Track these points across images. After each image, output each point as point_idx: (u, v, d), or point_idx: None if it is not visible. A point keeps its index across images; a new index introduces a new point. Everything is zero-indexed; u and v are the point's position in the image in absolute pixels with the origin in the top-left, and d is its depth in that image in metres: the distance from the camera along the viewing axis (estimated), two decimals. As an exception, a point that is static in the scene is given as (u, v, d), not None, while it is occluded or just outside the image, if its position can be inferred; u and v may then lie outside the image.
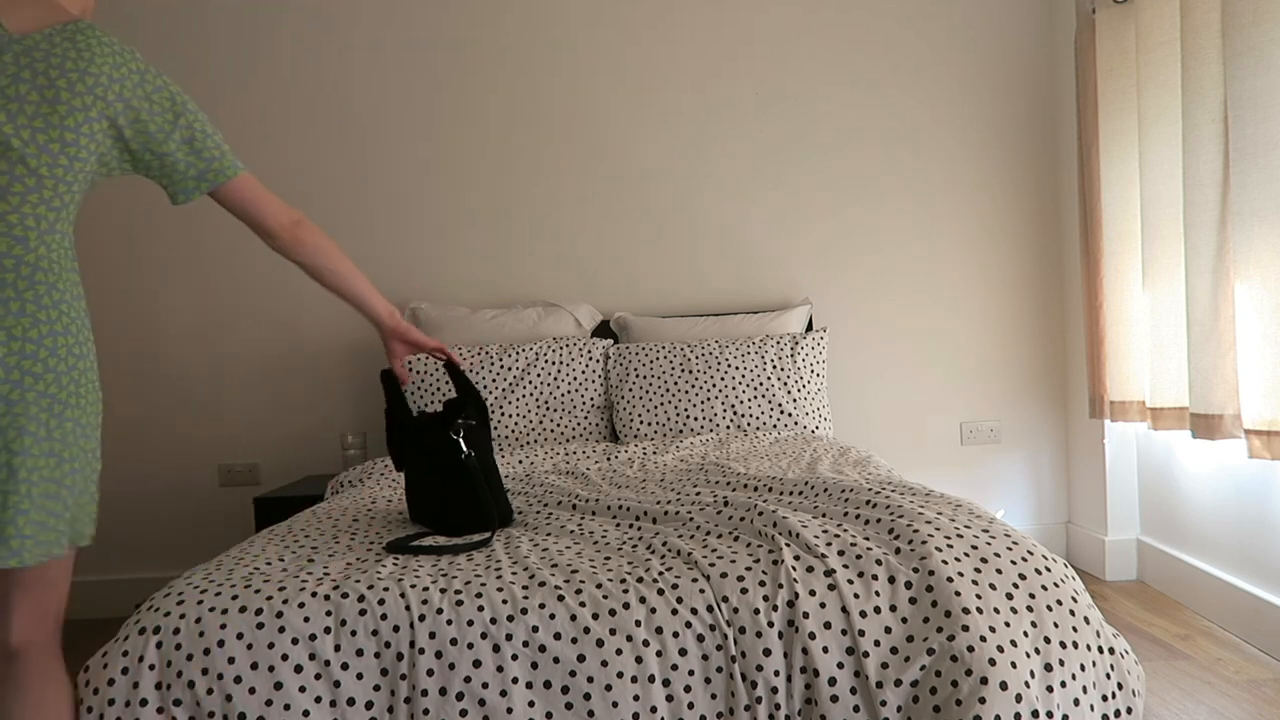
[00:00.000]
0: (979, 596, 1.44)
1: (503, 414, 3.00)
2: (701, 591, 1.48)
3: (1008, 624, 1.41)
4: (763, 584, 1.48)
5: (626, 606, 1.46)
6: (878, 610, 1.45)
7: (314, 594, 1.49)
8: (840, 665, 1.41)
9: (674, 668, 1.42)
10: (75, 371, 1.42)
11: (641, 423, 3.00)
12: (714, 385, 3.01)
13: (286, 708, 1.39)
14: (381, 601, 1.47)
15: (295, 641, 1.43)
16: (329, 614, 1.46)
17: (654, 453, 2.66)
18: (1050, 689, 1.38)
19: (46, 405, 1.36)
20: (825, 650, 1.41)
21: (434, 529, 1.85)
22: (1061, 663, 1.41)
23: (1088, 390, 3.13)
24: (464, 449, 1.81)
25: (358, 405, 3.43)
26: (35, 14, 1.46)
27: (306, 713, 1.39)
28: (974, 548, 1.53)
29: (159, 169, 1.56)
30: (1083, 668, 1.42)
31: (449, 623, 1.44)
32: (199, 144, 1.58)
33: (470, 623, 1.44)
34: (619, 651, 1.42)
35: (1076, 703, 1.39)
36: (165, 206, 3.38)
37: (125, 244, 3.39)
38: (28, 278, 1.37)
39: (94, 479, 1.46)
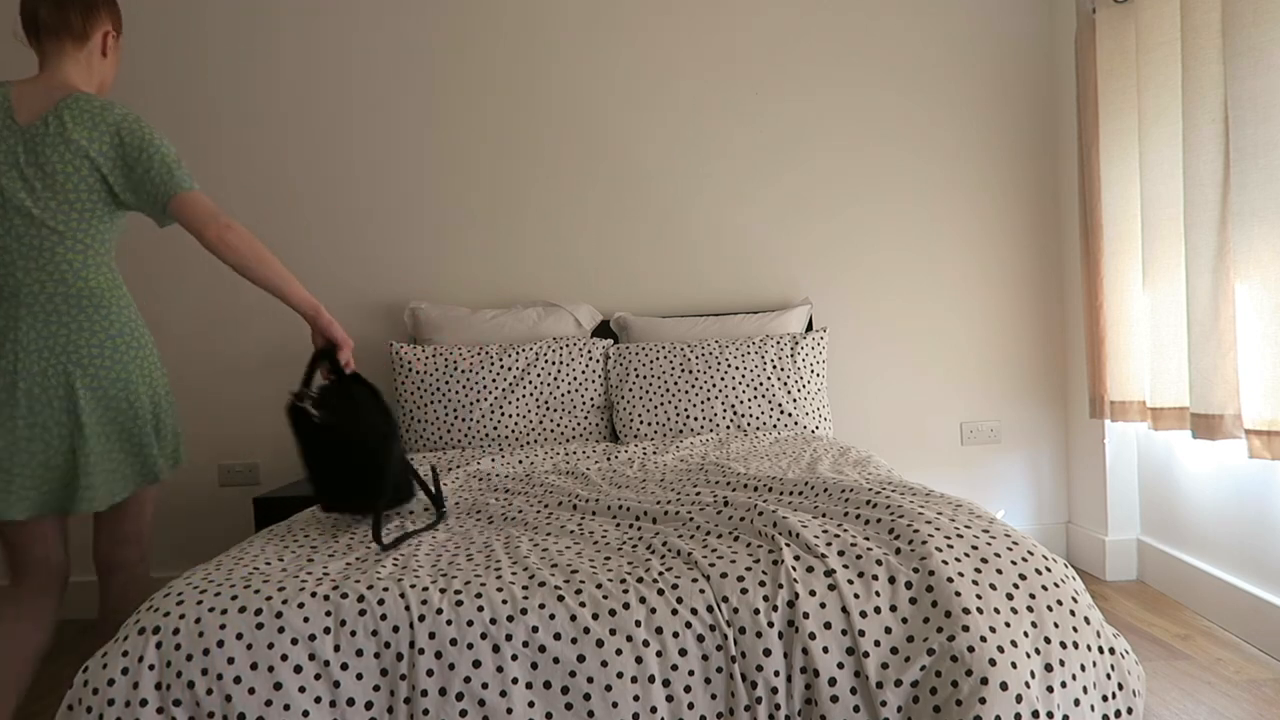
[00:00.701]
0: (979, 597, 1.44)
1: (503, 414, 3.00)
2: (701, 591, 1.48)
3: (1008, 624, 1.41)
4: (763, 584, 1.48)
5: (626, 606, 1.46)
6: (878, 610, 1.45)
7: (314, 594, 1.49)
8: (840, 665, 1.41)
9: (674, 668, 1.42)
10: (124, 362, 1.91)
11: (641, 423, 3.00)
12: (714, 385, 3.01)
13: (286, 708, 1.39)
14: (381, 602, 1.47)
15: (295, 641, 1.43)
16: (329, 614, 1.46)
17: (654, 453, 2.66)
18: (1050, 689, 1.38)
19: (98, 390, 1.86)
20: (825, 650, 1.41)
21: (330, 502, 1.94)
22: (1062, 663, 1.41)
23: (1088, 390, 3.13)
24: (313, 413, 1.88)
25: (358, 405, 3.43)
26: (41, 102, 1.84)
27: (306, 713, 1.39)
28: (974, 548, 1.53)
29: (140, 203, 1.89)
30: (1083, 668, 1.42)
31: (449, 623, 1.44)
32: (162, 172, 1.88)
33: (470, 623, 1.44)
34: (619, 652, 1.42)
35: (1077, 703, 1.39)
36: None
37: (125, 244, 3.38)
38: (76, 304, 1.86)
39: (144, 434, 1.94)
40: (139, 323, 1.98)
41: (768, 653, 1.42)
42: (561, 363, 3.08)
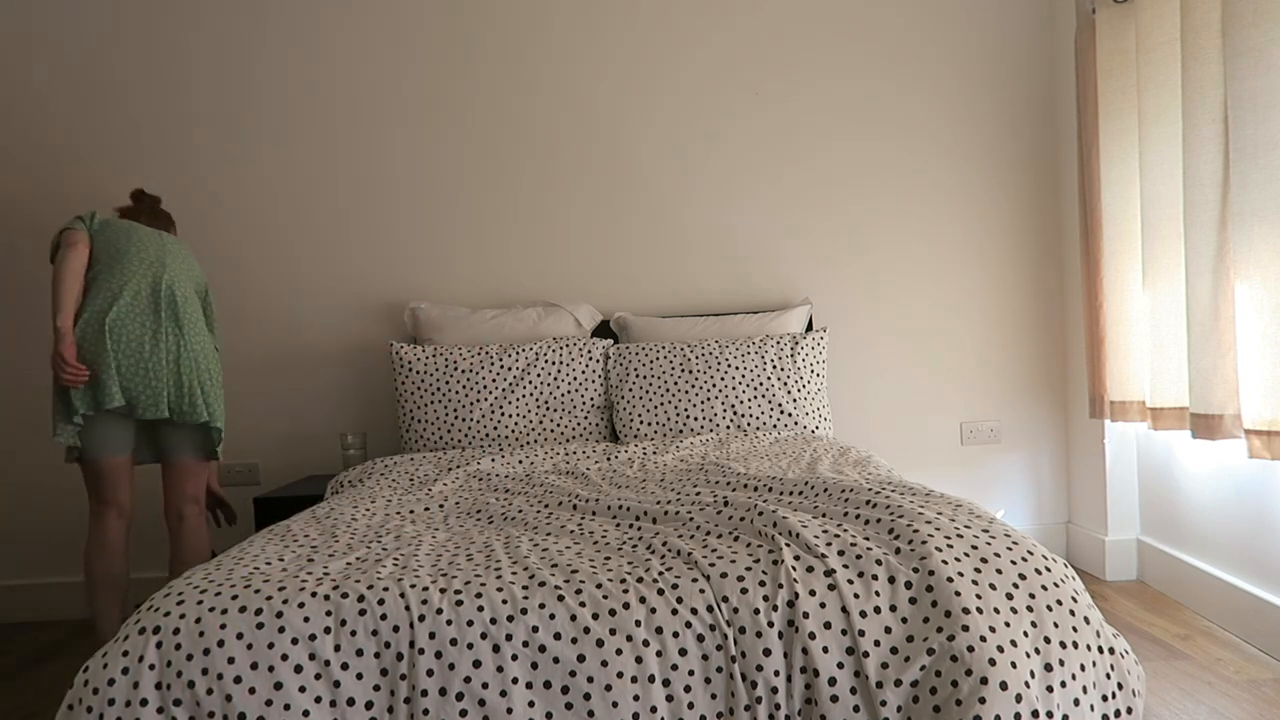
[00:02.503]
0: (979, 596, 1.44)
1: (503, 414, 3.00)
2: (701, 591, 1.48)
3: (1008, 624, 1.41)
4: (763, 584, 1.48)
5: (626, 606, 1.46)
6: (878, 610, 1.45)
7: (314, 594, 1.49)
8: (840, 665, 1.41)
9: (674, 668, 1.42)
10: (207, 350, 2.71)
11: (641, 423, 3.00)
12: (714, 385, 3.01)
13: (286, 708, 1.39)
14: (381, 601, 1.47)
15: (295, 641, 1.43)
16: (329, 614, 1.46)
17: (654, 453, 2.66)
18: (1050, 689, 1.38)
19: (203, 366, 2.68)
20: (825, 650, 1.41)
21: None
22: (1061, 663, 1.41)
23: (1088, 390, 3.13)
24: None
25: (358, 405, 3.44)
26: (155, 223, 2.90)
27: (306, 713, 1.39)
28: (974, 548, 1.53)
29: None
30: (1083, 668, 1.42)
31: (449, 623, 1.44)
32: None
33: (470, 623, 1.44)
34: (619, 651, 1.42)
35: (1076, 703, 1.39)
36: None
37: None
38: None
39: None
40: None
41: (768, 652, 1.42)
42: (561, 363, 3.08)
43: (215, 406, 2.70)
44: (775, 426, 2.99)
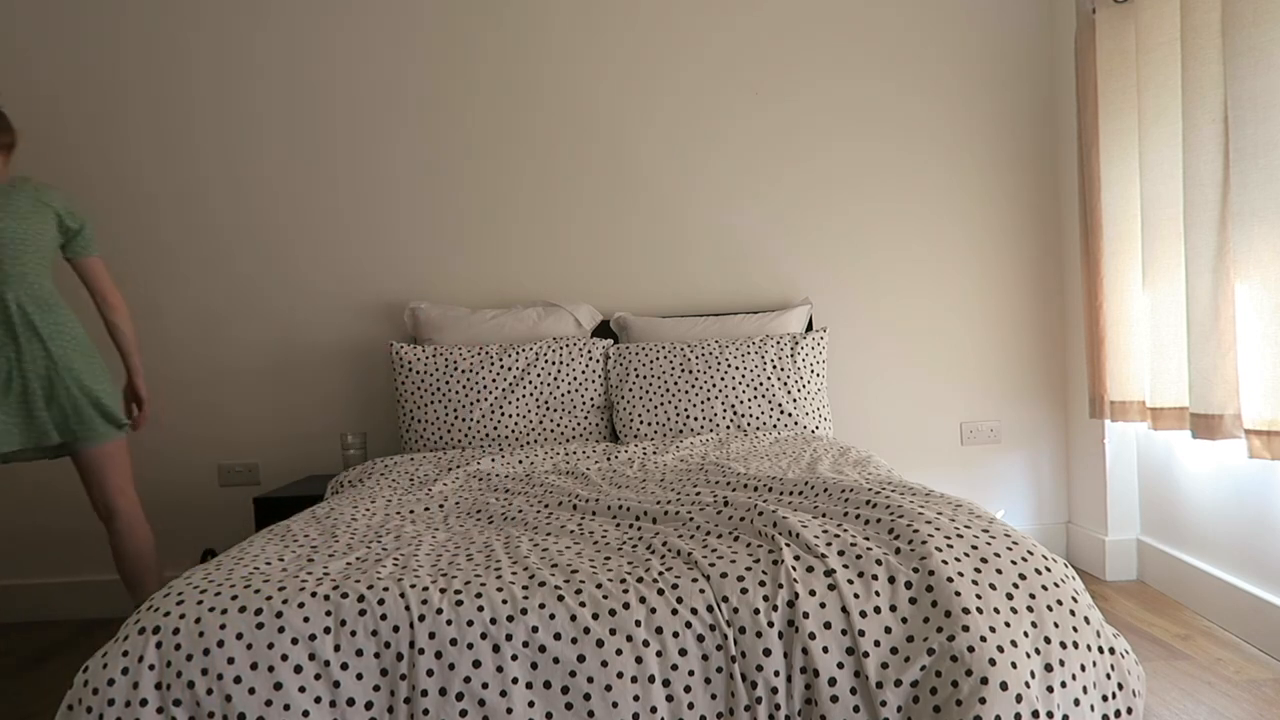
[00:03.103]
0: (979, 596, 1.44)
1: (503, 414, 3.00)
2: (701, 591, 1.48)
3: (1008, 624, 1.41)
4: (763, 584, 1.48)
5: (626, 606, 1.46)
6: (878, 610, 1.45)
7: (314, 594, 1.49)
8: (840, 665, 1.41)
9: (674, 668, 1.42)
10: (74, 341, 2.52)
11: (641, 423, 3.00)
12: (714, 385, 3.01)
13: (286, 708, 1.39)
14: (381, 601, 1.47)
15: (295, 641, 1.43)
16: (329, 614, 1.46)
17: (654, 453, 2.66)
18: (1050, 689, 1.38)
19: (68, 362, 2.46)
20: (825, 650, 1.41)
21: None
22: (1062, 663, 1.41)
23: (1088, 390, 3.13)
24: None
25: (358, 405, 3.44)
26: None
27: (306, 713, 1.39)
28: (974, 548, 1.53)
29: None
30: (1083, 668, 1.42)
31: (449, 623, 1.44)
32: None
33: (470, 623, 1.44)
34: (619, 652, 1.42)
35: (1077, 703, 1.39)
36: (163, 208, 3.38)
37: (125, 245, 3.39)
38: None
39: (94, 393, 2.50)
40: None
41: (768, 653, 1.42)
42: (561, 363, 3.08)
43: (100, 391, 2.51)
44: (775, 426, 2.98)
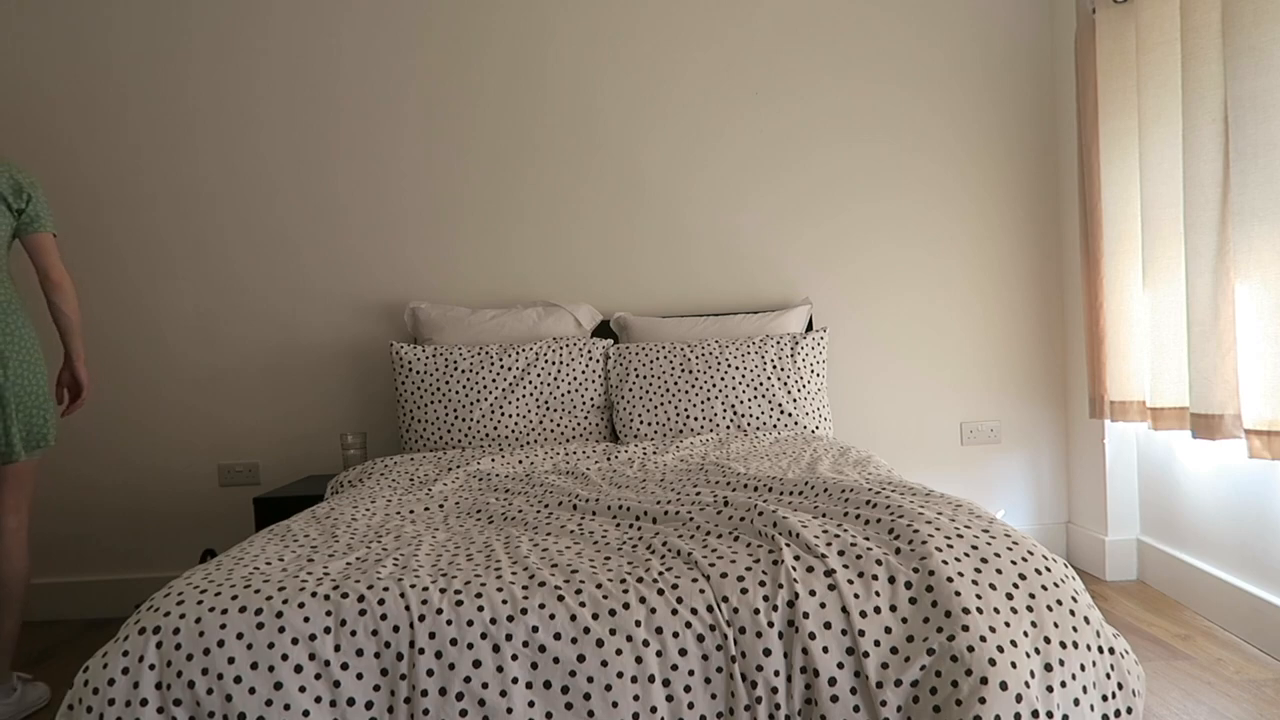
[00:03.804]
0: (979, 596, 1.44)
1: (503, 414, 3.00)
2: (701, 591, 1.48)
3: (1008, 624, 1.41)
4: (763, 584, 1.48)
5: (626, 606, 1.46)
6: (878, 610, 1.45)
7: (314, 594, 1.49)
8: (840, 665, 1.41)
9: (674, 668, 1.42)
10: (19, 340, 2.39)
11: (641, 423, 3.00)
12: (714, 385, 3.01)
13: (286, 708, 1.39)
14: (381, 601, 1.47)
15: (295, 641, 1.43)
16: (329, 614, 1.46)
17: (654, 453, 2.66)
18: (1050, 689, 1.38)
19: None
20: (825, 650, 1.41)
21: None
22: (1061, 663, 1.41)
23: (1088, 390, 3.13)
24: None
25: (358, 405, 3.44)
26: None
27: (306, 713, 1.39)
28: (974, 548, 1.53)
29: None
30: (1083, 668, 1.42)
31: (449, 623, 1.44)
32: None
33: (470, 623, 1.44)
34: (619, 651, 1.42)
35: (1076, 703, 1.39)
36: (162, 208, 3.38)
37: (125, 245, 3.39)
38: None
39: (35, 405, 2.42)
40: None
41: (768, 653, 1.42)
42: (561, 363, 3.08)
43: (42, 417, 2.42)
44: (775, 426, 2.99)
